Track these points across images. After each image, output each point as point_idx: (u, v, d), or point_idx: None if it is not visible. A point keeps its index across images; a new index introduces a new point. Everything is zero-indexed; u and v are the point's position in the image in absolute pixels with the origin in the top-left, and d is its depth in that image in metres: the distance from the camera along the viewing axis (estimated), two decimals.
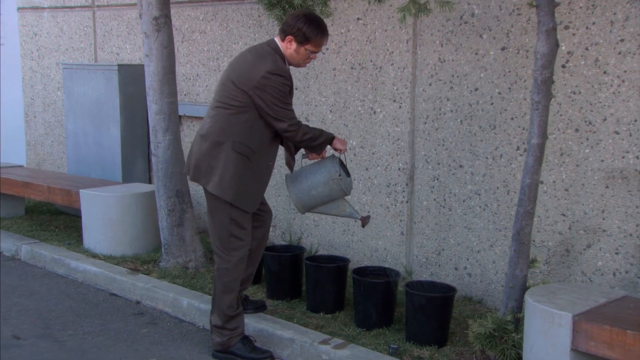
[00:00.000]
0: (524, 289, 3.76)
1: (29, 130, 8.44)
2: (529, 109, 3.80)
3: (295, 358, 4.02)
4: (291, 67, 4.02)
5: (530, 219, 3.75)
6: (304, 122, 5.51)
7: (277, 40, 3.90)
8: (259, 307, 4.47)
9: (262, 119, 3.86)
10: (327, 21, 5.22)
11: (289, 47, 3.85)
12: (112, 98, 6.57)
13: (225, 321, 3.98)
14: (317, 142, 4.00)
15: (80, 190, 5.81)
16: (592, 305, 3.37)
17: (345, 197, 4.12)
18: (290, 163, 4.17)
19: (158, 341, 4.28)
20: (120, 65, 6.52)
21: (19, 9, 8.38)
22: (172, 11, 6.39)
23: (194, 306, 4.59)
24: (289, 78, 3.86)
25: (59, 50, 7.88)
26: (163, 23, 4.99)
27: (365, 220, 4.10)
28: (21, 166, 7.41)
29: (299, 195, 4.06)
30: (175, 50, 6.43)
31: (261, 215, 4.24)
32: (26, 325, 4.50)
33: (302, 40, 3.82)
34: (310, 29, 3.81)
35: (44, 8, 8.01)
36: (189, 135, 6.51)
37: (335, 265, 4.61)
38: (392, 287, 4.36)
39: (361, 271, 4.51)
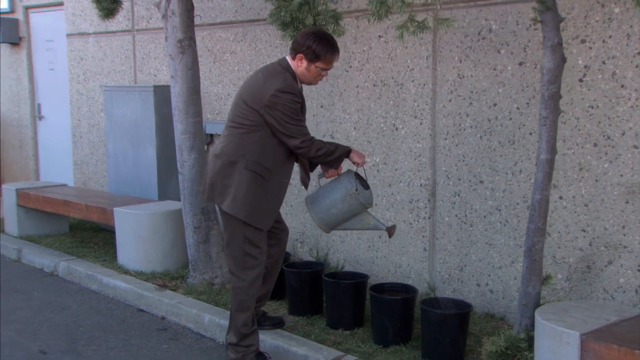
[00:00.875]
0: (537, 306, 3.64)
1: (76, 150, 8.62)
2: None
3: None
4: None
5: (541, 235, 3.63)
6: (329, 139, 5.49)
7: (289, 58, 3.89)
8: (276, 324, 4.44)
9: (275, 137, 3.84)
10: (350, 39, 5.24)
11: (299, 65, 3.83)
12: (149, 118, 6.66)
13: (240, 339, 3.96)
14: (333, 156, 3.93)
15: (114, 208, 5.90)
16: (602, 323, 3.23)
17: (368, 210, 4.05)
18: (305, 181, 4.12)
19: (177, 357, 4.29)
20: (155, 87, 6.60)
21: (67, 35, 8.60)
22: (204, 33, 6.49)
23: (215, 322, 4.58)
24: (299, 95, 3.83)
25: (102, 73, 8.04)
26: (187, 45, 5.03)
27: (391, 231, 4.01)
28: (64, 185, 7.55)
29: (320, 216, 4.01)
30: (208, 71, 6.52)
31: (277, 233, 4.21)
32: (54, 341, 4.57)
33: (312, 57, 3.79)
34: (320, 47, 3.78)
35: (89, 34, 8.19)
36: None
37: (354, 282, 4.55)
38: (409, 304, 4.28)
39: (379, 288, 4.44)
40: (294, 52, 3.83)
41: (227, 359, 4.03)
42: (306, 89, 5.64)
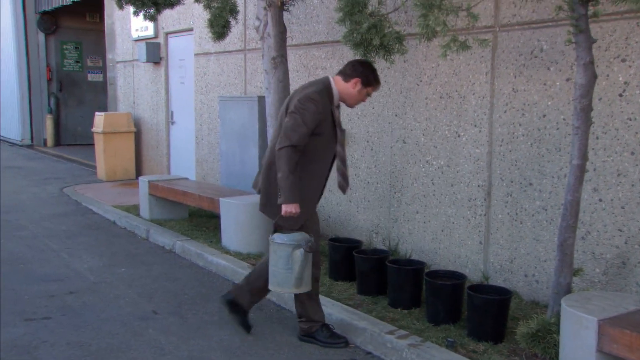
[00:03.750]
0: None
1: (197, 150, 9.05)
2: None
3: (366, 345, 4.06)
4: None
5: (572, 232, 3.58)
6: (401, 145, 5.55)
7: (335, 80, 3.93)
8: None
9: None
10: (421, 57, 5.27)
11: (354, 87, 3.91)
12: (253, 123, 6.93)
13: (309, 314, 4.10)
14: (281, 182, 3.75)
15: (220, 199, 6.18)
16: (621, 311, 3.17)
17: (290, 245, 3.87)
18: (343, 186, 4.07)
19: (259, 323, 4.47)
20: (259, 97, 6.85)
21: (195, 54, 9.04)
22: (301, 52, 6.68)
23: (293, 297, 4.73)
24: (320, 105, 3.79)
25: (220, 86, 8.41)
26: (279, 62, 5.23)
27: (310, 248, 3.88)
28: (186, 179, 7.94)
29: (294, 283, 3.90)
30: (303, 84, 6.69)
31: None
32: (164, 304, 4.87)
33: (366, 83, 3.93)
34: (374, 76, 3.96)
35: (211, 53, 8.59)
36: None
37: (413, 268, 4.59)
38: (458, 288, 4.29)
39: (433, 274, 4.47)
40: (349, 77, 3.90)
41: (299, 329, 4.19)
42: (382, 101, 5.74)
